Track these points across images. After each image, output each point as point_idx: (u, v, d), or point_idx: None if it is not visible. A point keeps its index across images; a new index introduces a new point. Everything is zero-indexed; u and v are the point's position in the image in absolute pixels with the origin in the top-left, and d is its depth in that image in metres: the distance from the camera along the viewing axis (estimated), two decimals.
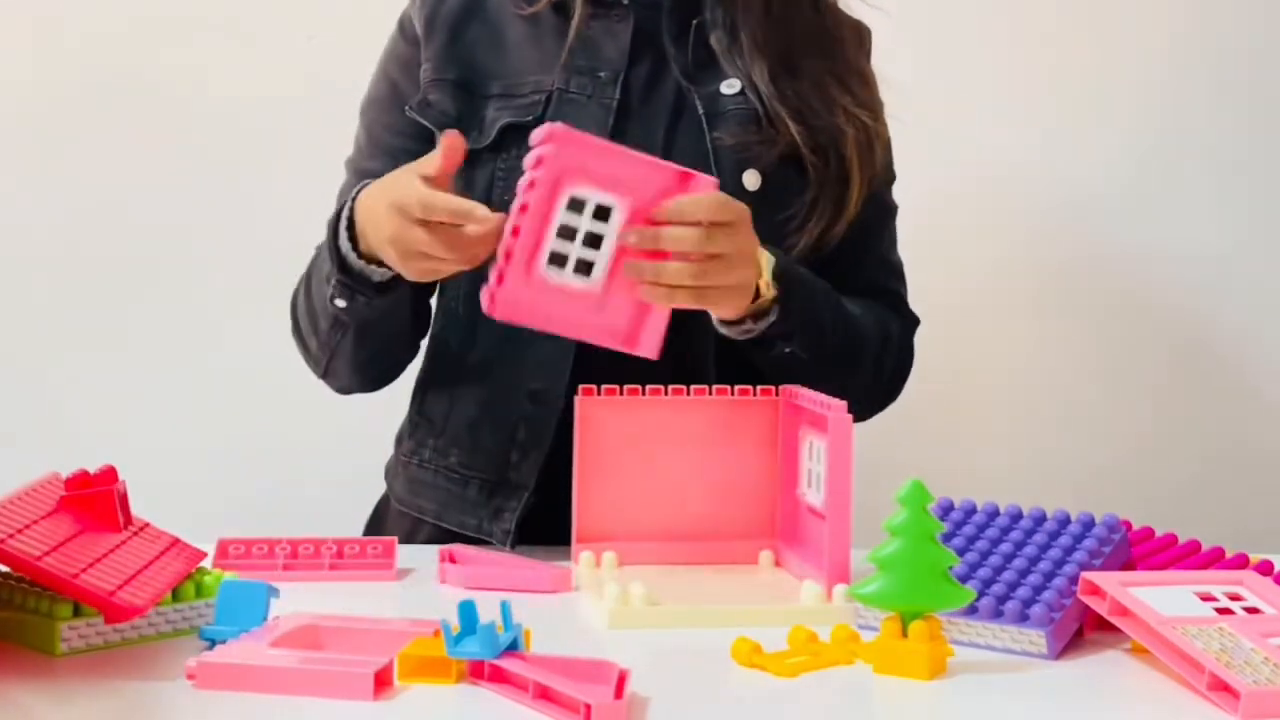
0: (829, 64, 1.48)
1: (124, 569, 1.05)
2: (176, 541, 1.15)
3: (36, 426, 2.07)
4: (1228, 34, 2.15)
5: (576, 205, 1.20)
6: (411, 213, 1.22)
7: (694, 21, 1.48)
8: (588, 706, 0.91)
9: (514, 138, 1.43)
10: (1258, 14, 2.16)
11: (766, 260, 1.33)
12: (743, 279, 1.28)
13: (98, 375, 2.09)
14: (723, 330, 1.36)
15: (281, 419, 2.07)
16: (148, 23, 2.07)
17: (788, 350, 1.37)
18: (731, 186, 1.40)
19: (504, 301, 1.21)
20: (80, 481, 1.13)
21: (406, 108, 1.47)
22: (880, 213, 1.54)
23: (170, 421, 2.09)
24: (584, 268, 1.21)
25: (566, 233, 1.21)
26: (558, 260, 1.21)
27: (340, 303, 1.38)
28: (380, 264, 1.33)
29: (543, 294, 1.21)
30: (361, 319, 1.40)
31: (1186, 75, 2.16)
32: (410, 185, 1.23)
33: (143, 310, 2.10)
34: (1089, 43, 2.16)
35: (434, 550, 1.34)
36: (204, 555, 1.16)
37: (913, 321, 1.58)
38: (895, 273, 1.58)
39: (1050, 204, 2.19)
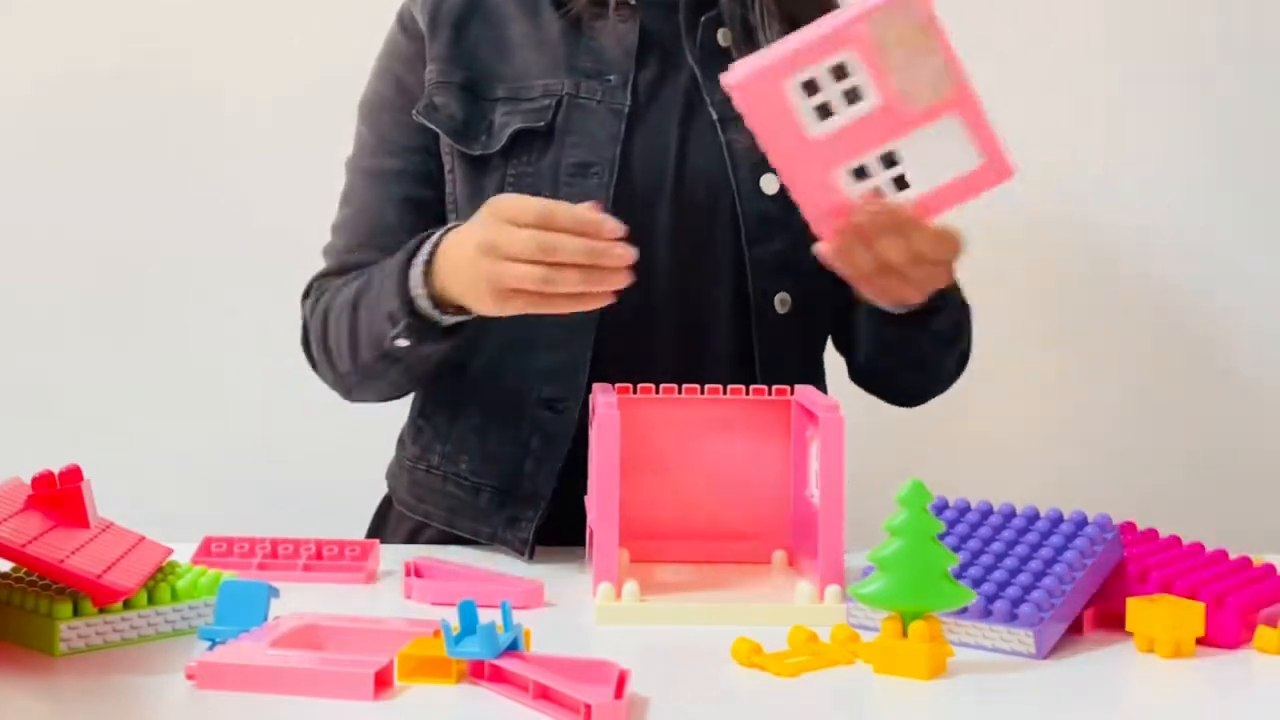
0: None
1: (105, 557, 1.06)
2: (143, 539, 1.15)
3: (36, 425, 2.07)
4: (1215, 27, 2.15)
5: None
6: (517, 233, 1.17)
7: (703, 17, 1.45)
8: (588, 706, 0.91)
9: (525, 143, 1.41)
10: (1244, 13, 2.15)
11: None
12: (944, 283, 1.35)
13: (98, 375, 2.09)
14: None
15: (284, 419, 2.07)
16: (146, 23, 2.07)
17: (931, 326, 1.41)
18: (749, 190, 1.41)
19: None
20: (47, 481, 1.13)
21: (414, 111, 1.44)
22: None
23: (172, 421, 2.09)
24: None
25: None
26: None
27: (402, 343, 1.33)
28: (447, 307, 1.30)
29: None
30: (418, 357, 1.36)
31: (1167, 62, 2.16)
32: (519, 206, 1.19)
33: (142, 310, 2.10)
34: (1076, 36, 2.15)
35: (436, 552, 1.34)
36: (171, 551, 1.15)
37: None
38: None
39: (1044, 203, 2.18)
